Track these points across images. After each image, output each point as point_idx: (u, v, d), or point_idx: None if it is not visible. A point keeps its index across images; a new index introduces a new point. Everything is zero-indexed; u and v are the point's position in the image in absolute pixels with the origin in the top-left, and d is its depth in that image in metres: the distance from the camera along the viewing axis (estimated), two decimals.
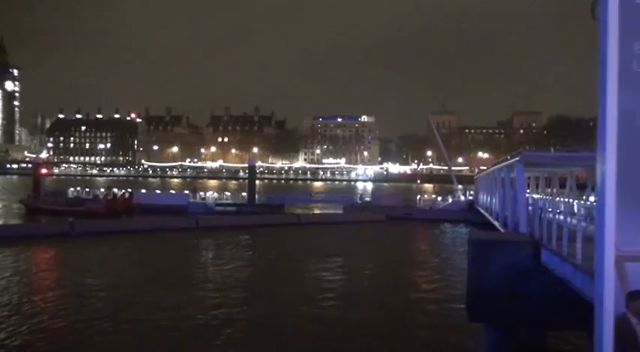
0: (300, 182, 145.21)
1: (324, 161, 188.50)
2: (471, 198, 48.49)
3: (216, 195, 52.27)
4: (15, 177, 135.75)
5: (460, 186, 50.79)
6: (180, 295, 17.31)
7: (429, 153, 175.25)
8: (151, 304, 16.21)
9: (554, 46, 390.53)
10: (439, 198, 49.94)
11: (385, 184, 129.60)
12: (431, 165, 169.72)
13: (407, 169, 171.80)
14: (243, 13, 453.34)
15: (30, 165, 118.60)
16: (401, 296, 18.43)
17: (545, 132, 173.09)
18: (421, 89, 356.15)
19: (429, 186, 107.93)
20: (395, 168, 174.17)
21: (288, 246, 30.55)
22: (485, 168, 45.55)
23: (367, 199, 57.58)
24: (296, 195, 66.22)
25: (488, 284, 12.71)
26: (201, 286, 19.11)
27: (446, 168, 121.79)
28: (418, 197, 51.97)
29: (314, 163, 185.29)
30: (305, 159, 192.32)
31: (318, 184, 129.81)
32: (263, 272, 22.68)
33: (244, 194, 51.48)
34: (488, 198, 29.90)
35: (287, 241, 32.57)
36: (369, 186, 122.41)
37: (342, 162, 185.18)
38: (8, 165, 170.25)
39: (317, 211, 51.73)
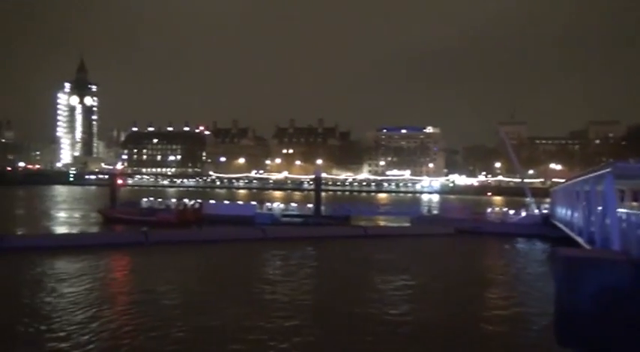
0: (364, 194, 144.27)
1: (388, 173, 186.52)
2: (545, 211, 46.25)
3: (282, 205, 52.53)
4: (93, 187, 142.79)
5: (533, 199, 48.48)
6: (253, 317, 16.96)
7: (498, 164, 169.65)
8: (224, 326, 16.01)
9: (634, 48, 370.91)
10: (511, 212, 47.75)
11: (452, 196, 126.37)
12: (500, 177, 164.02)
13: (474, 181, 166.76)
14: (306, 26, 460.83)
15: (107, 176, 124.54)
16: (486, 327, 16.64)
17: (623, 142, 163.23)
18: (487, 98, 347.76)
19: (498, 199, 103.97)
20: (461, 180, 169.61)
21: (356, 260, 29.84)
22: (562, 180, 43.31)
23: (435, 212, 56.23)
24: (362, 207, 65.71)
25: (581, 305, 11.75)
26: (273, 305, 18.66)
27: (516, 180, 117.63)
28: (489, 210, 49.92)
29: (378, 175, 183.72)
30: (369, 171, 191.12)
31: (382, 196, 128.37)
32: (333, 291, 21.75)
33: (310, 205, 51.42)
34: (569, 212, 28.24)
35: (354, 254, 31.91)
36: (435, 198, 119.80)
37: (406, 173, 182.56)
38: (87, 176, 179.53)
39: (383, 223, 50.97)
